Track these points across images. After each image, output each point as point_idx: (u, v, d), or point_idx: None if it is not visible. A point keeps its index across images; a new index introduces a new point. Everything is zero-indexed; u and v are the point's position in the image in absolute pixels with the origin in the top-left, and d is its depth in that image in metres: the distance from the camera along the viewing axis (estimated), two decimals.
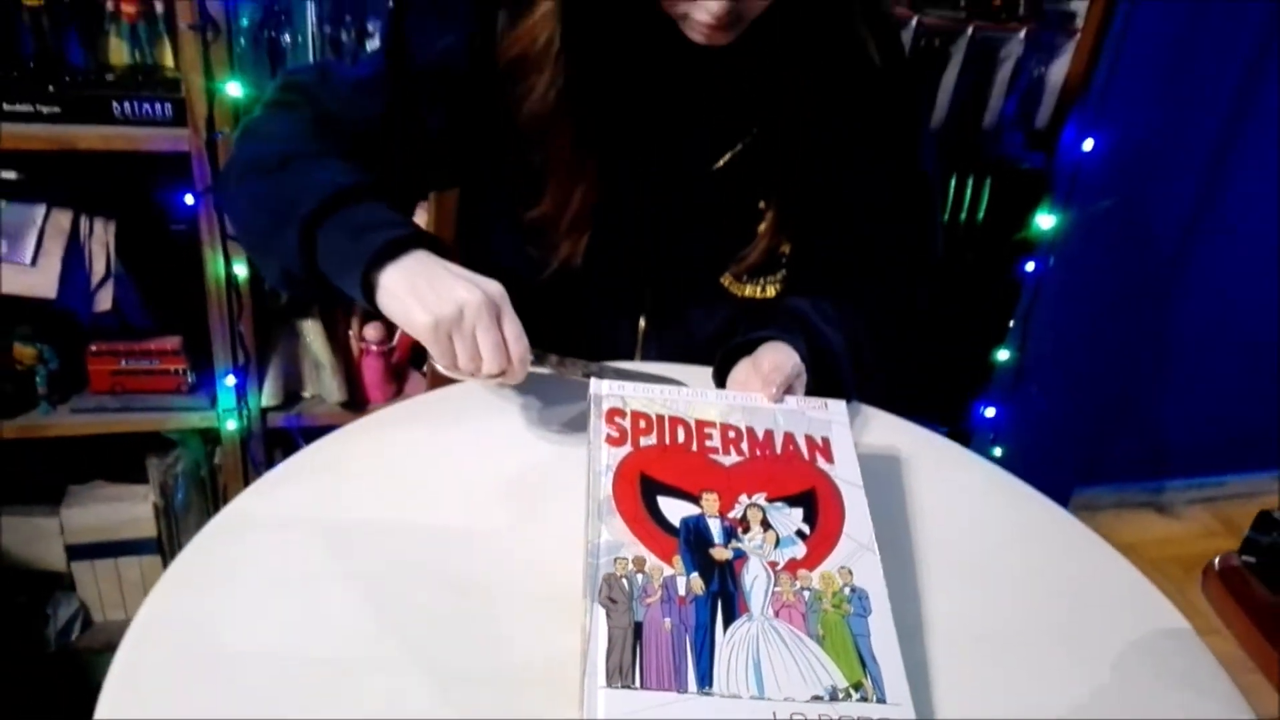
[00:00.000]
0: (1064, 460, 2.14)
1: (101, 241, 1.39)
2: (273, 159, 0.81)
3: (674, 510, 0.64)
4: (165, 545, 1.59)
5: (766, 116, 0.87)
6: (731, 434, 0.70)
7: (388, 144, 0.86)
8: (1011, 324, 1.74)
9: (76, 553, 1.57)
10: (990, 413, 1.80)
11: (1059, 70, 1.58)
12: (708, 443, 0.69)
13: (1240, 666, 0.68)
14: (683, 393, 0.73)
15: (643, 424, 0.69)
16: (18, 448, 1.45)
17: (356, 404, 1.55)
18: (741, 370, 0.83)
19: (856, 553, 0.63)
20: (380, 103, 0.86)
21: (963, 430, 1.81)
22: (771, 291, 0.94)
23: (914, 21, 1.45)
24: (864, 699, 0.55)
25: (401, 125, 0.87)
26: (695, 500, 0.64)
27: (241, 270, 1.39)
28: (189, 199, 1.34)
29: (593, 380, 0.73)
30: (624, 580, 0.59)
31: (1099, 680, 0.65)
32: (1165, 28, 1.70)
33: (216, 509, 0.67)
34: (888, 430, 0.87)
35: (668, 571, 0.59)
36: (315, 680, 0.56)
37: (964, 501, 0.82)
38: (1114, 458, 2.27)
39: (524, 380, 0.76)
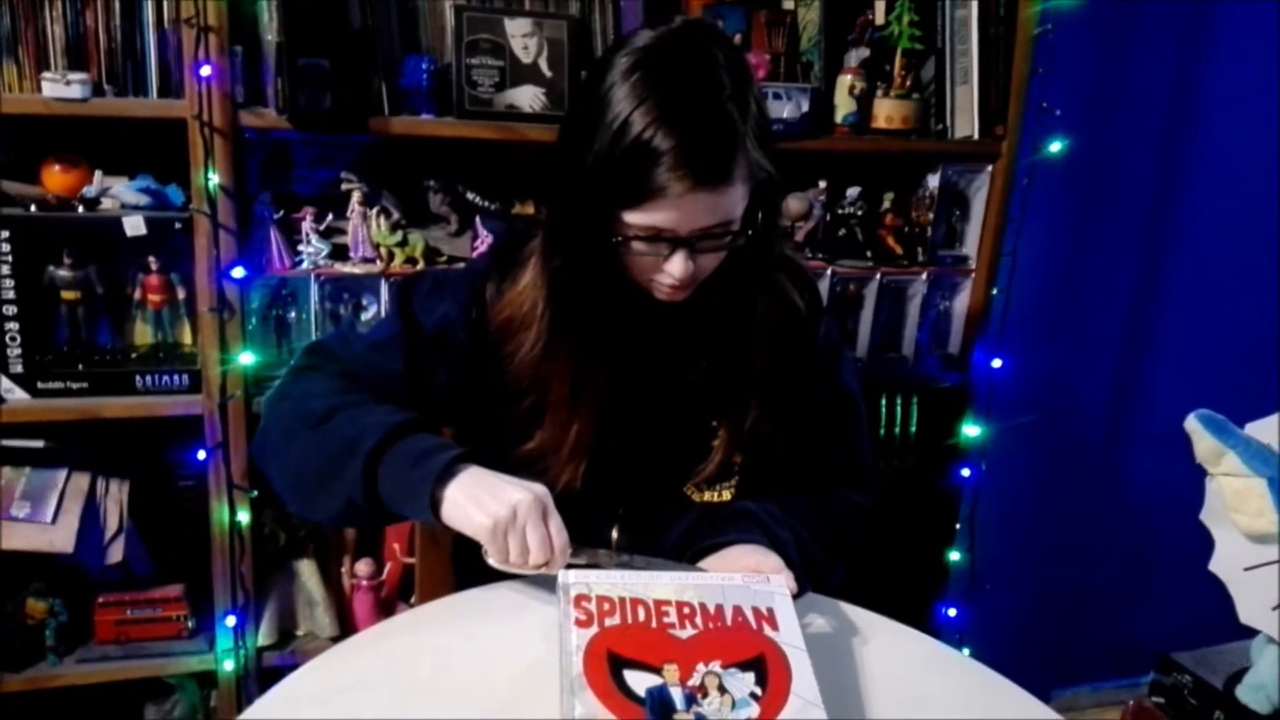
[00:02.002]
0: (1037, 660, 2.14)
1: (116, 500, 1.51)
2: (317, 413, 0.91)
3: (639, 681, 0.72)
4: None
5: (715, 352, 1.03)
6: (686, 610, 0.80)
7: (406, 394, 0.99)
8: (958, 526, 1.86)
9: None
10: (952, 613, 1.88)
11: (961, 302, 1.80)
12: (665, 619, 0.78)
13: None
14: (640, 576, 0.84)
15: (606, 606, 0.79)
16: (20, 701, 1.47)
17: None
18: (711, 564, 0.94)
19: (805, 709, 0.72)
20: (396, 362, 1.00)
21: (929, 632, 1.86)
22: (727, 495, 1.06)
23: (829, 272, 1.68)
24: None
25: (415, 380, 1.01)
26: (658, 671, 0.73)
27: (244, 516, 1.50)
28: (201, 454, 1.48)
29: (560, 571, 0.83)
30: None
31: None
32: (1049, 263, 1.94)
33: None
34: (857, 621, 0.97)
35: None
36: None
37: (916, 676, 0.90)
38: (1087, 656, 2.30)
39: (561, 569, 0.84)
